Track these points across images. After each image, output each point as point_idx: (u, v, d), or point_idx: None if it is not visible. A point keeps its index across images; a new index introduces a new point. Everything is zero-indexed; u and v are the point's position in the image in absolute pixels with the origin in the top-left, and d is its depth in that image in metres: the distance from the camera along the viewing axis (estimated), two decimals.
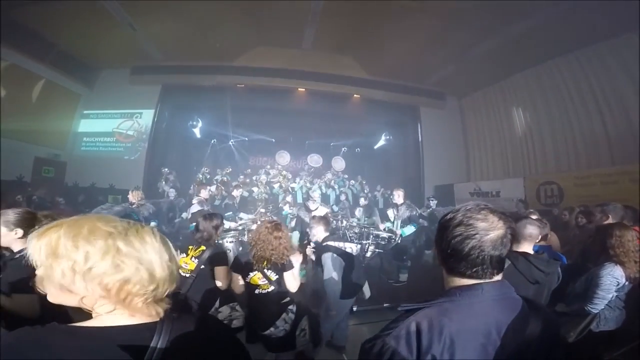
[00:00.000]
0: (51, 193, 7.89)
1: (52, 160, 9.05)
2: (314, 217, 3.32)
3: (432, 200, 7.06)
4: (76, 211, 7.35)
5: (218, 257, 2.45)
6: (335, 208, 8.14)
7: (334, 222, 6.86)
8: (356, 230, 5.76)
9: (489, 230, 0.80)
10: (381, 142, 11.28)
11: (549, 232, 2.84)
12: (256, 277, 2.20)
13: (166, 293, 0.73)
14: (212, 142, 11.44)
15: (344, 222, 6.18)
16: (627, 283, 2.04)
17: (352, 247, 3.05)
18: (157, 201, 6.96)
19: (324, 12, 6.99)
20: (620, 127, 6.53)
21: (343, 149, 12.44)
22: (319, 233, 3.07)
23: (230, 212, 6.64)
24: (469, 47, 7.83)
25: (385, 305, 4.42)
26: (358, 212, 7.30)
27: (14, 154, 7.57)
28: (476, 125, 10.65)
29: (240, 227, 5.28)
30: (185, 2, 6.69)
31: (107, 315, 0.68)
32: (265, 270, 2.18)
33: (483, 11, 6.34)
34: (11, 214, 1.79)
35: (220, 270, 2.40)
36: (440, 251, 0.88)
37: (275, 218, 3.61)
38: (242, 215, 6.12)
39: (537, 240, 2.07)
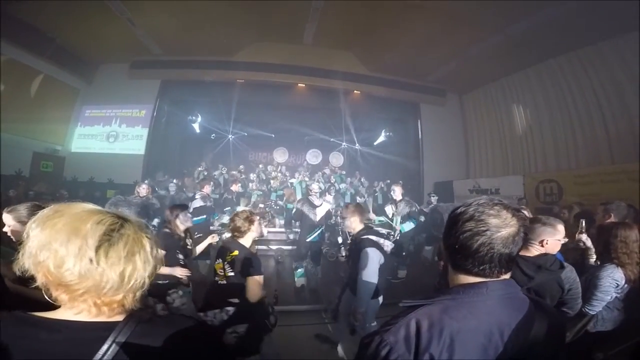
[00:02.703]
0: (50, 188, 7.89)
1: (50, 155, 9.03)
2: (346, 206, 3.02)
3: (432, 196, 7.01)
4: None
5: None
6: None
7: (334, 217, 6.87)
8: None
9: (500, 227, 0.77)
10: (381, 139, 11.24)
11: None
12: (219, 265, 2.22)
13: (118, 294, 0.68)
14: (212, 137, 11.40)
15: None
16: (626, 285, 2.00)
17: (387, 245, 2.75)
18: (161, 196, 6.95)
19: (325, 8, 6.93)
20: (621, 126, 6.51)
21: (343, 144, 12.41)
22: (354, 224, 2.76)
23: (229, 207, 6.68)
24: (470, 44, 7.78)
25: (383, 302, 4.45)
26: None
27: (12, 148, 7.54)
28: (476, 122, 10.62)
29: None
30: None
31: (65, 309, 0.67)
32: (225, 264, 2.19)
33: (485, 9, 6.29)
34: (22, 210, 1.82)
35: None
36: (447, 246, 0.84)
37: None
38: (238, 208, 6.12)
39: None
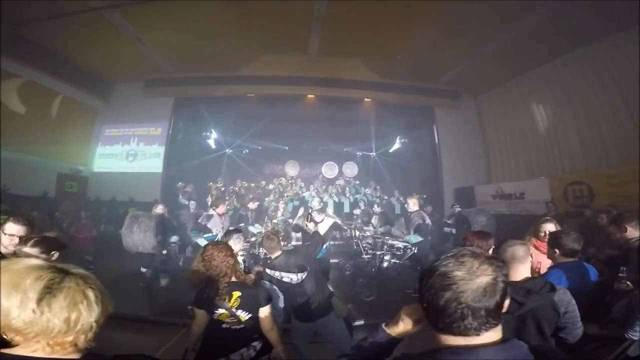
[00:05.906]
0: (76, 207, 8.14)
1: (74, 176, 9.40)
2: (264, 234, 2.86)
3: (456, 207, 7.15)
4: (99, 224, 7.60)
5: None
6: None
7: (348, 230, 6.69)
8: (369, 241, 5.57)
9: (467, 280, 0.70)
10: (396, 146, 11.00)
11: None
12: (224, 314, 1.92)
13: (68, 336, 0.72)
14: (227, 152, 11.56)
15: (357, 233, 5.99)
16: None
17: (290, 277, 2.52)
18: (179, 213, 7.06)
19: (327, 14, 6.86)
20: None
21: (357, 154, 12.26)
22: (272, 251, 2.64)
23: (243, 224, 6.64)
24: (481, 43, 7.52)
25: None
26: (374, 220, 7.10)
27: (38, 170, 7.91)
28: (495, 123, 10.17)
29: (252, 239, 5.26)
30: (190, 14, 6.75)
31: (21, 347, 0.73)
32: (234, 310, 1.91)
33: (492, 5, 6.06)
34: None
35: None
36: (420, 305, 0.80)
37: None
38: (251, 228, 6.09)
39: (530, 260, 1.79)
